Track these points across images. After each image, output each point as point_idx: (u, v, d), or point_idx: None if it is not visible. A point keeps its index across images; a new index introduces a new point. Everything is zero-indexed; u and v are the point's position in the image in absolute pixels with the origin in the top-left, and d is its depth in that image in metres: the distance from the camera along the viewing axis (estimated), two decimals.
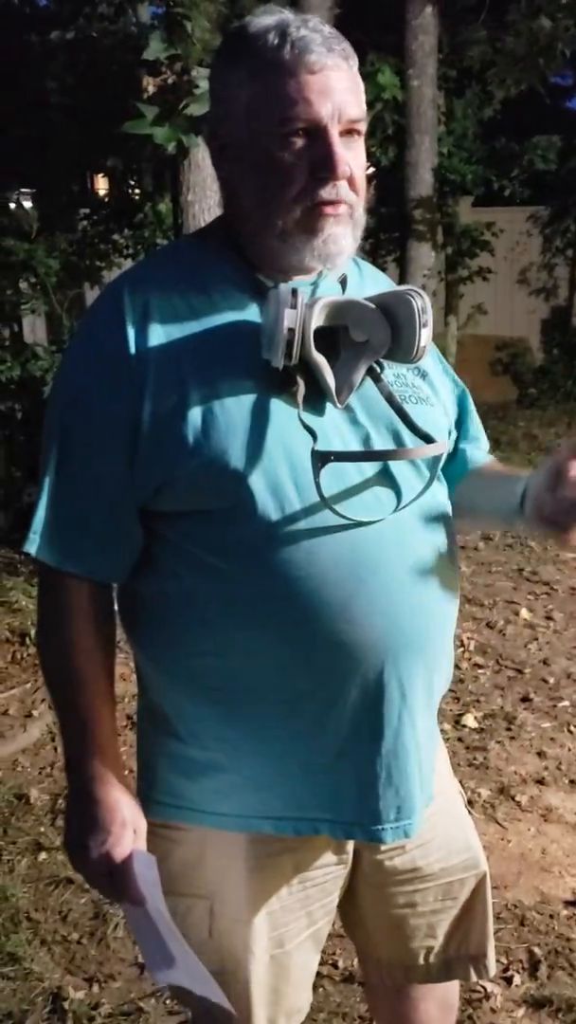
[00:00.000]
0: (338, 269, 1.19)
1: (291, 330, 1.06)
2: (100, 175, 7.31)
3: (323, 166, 1.09)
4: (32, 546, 1.16)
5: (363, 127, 1.14)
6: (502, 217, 9.01)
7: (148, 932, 1.13)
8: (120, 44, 5.66)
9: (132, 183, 6.37)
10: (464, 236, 8.06)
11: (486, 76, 6.10)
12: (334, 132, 1.09)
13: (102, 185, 7.62)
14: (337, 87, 1.09)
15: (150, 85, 3.24)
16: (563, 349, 9.47)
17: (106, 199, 6.73)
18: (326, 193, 1.10)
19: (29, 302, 5.49)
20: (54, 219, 6.02)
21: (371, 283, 1.28)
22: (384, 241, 7.89)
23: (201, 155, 3.59)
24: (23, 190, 6.41)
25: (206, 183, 3.77)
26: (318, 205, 1.10)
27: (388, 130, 6.36)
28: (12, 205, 5.82)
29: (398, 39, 6.65)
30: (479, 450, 1.40)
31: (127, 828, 1.13)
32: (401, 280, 7.04)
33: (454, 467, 1.34)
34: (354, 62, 1.13)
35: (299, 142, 1.09)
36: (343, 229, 1.13)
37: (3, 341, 5.39)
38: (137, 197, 6.21)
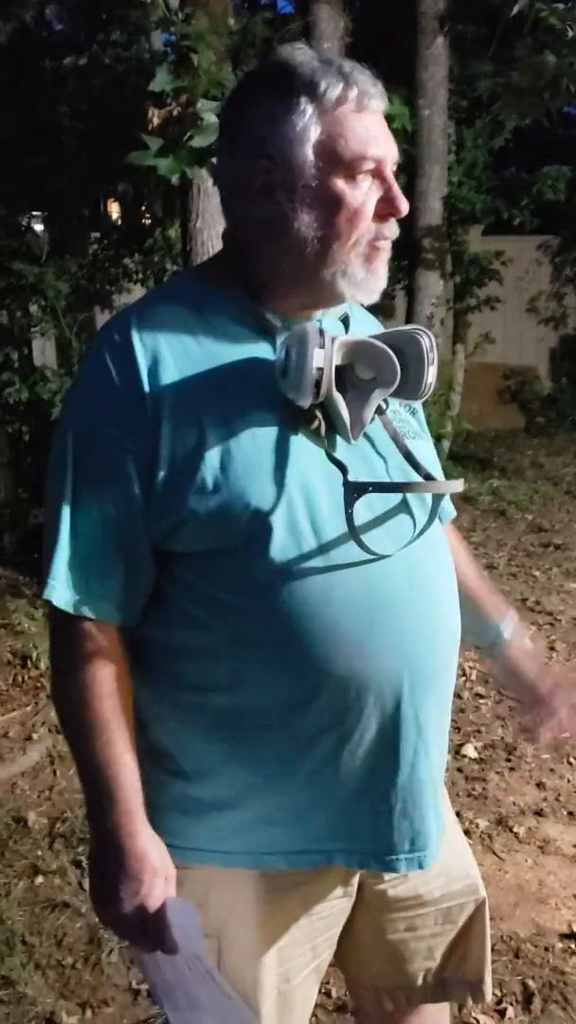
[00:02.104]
0: (339, 308, 1.22)
1: (320, 369, 1.07)
2: (111, 200, 7.39)
3: (389, 204, 1.13)
4: (52, 593, 1.12)
5: (395, 168, 1.17)
6: (511, 246, 9.05)
7: (171, 978, 1.11)
8: (133, 71, 5.74)
9: (142, 208, 6.44)
10: (473, 265, 8.09)
11: (492, 108, 6.16)
12: (391, 171, 1.14)
13: (114, 210, 7.70)
14: (387, 129, 1.14)
15: (155, 116, 3.28)
16: (571, 378, 9.49)
17: (117, 223, 6.81)
18: (388, 231, 1.15)
19: (39, 325, 5.54)
20: (64, 243, 6.08)
21: (361, 321, 1.29)
22: (393, 270, 7.87)
23: (210, 183, 3.63)
24: (34, 213, 6.48)
25: (215, 210, 3.81)
26: (376, 240, 1.14)
27: (399, 159, 6.41)
28: (23, 228, 5.88)
29: (409, 69, 6.73)
30: (449, 504, 1.41)
31: (158, 876, 1.11)
32: (410, 308, 7.08)
33: None
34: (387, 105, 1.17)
35: (366, 181, 1.12)
36: (386, 265, 1.18)
37: (12, 364, 5.42)
38: (147, 222, 6.28)
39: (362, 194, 1.11)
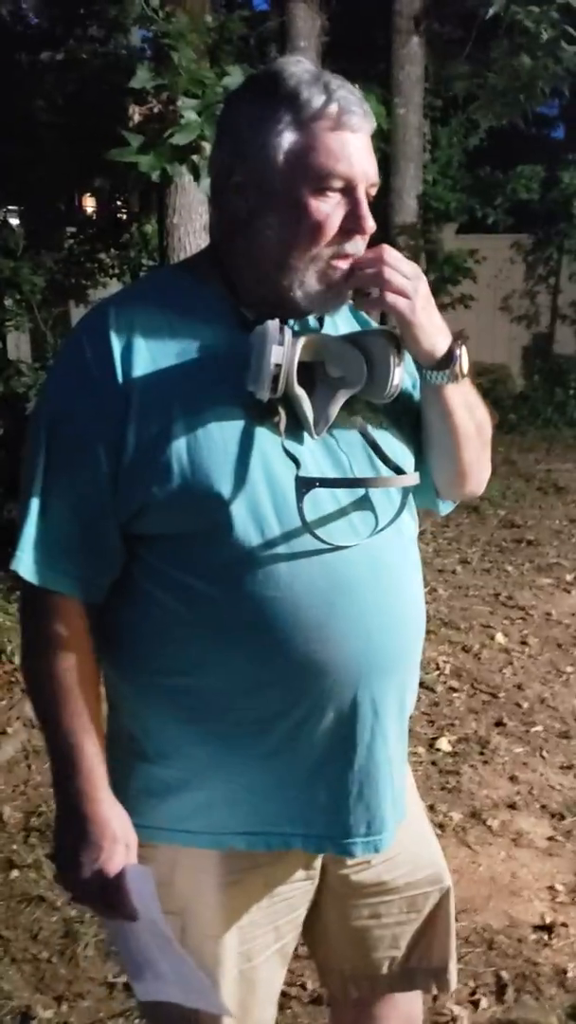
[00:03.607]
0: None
1: (278, 365, 1.10)
2: (87, 194, 7.36)
3: (354, 222, 1.14)
4: (19, 564, 1.16)
5: (375, 191, 1.18)
6: (485, 245, 9.11)
7: (135, 947, 1.14)
8: (110, 67, 5.73)
9: (119, 204, 6.42)
10: (447, 263, 8.15)
11: (469, 109, 6.22)
12: (363, 191, 1.14)
13: (89, 204, 7.67)
14: (366, 149, 1.15)
15: (136, 113, 3.28)
16: (543, 376, 9.57)
17: (93, 218, 6.78)
18: (350, 248, 1.15)
19: (13, 319, 5.51)
20: (40, 237, 6.06)
21: (341, 316, 1.31)
22: None
23: (187, 179, 3.64)
24: (9, 207, 6.45)
25: (191, 207, 3.82)
26: (337, 258, 1.15)
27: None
28: None
29: (385, 68, 6.77)
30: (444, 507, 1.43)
31: (118, 843, 1.14)
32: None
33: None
34: (373, 128, 1.18)
35: (334, 198, 1.13)
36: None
37: None
38: (124, 217, 6.26)
39: (328, 208, 1.13)
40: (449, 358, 1.20)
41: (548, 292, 9.91)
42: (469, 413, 1.26)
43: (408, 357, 1.22)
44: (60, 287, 6.02)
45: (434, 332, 1.19)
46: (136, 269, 5.91)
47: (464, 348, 1.22)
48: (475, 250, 8.55)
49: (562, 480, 6.86)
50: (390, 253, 1.16)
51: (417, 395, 1.31)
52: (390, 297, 1.15)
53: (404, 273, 1.15)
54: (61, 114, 6.07)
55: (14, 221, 6.25)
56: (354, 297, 1.18)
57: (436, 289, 8.20)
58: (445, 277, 8.15)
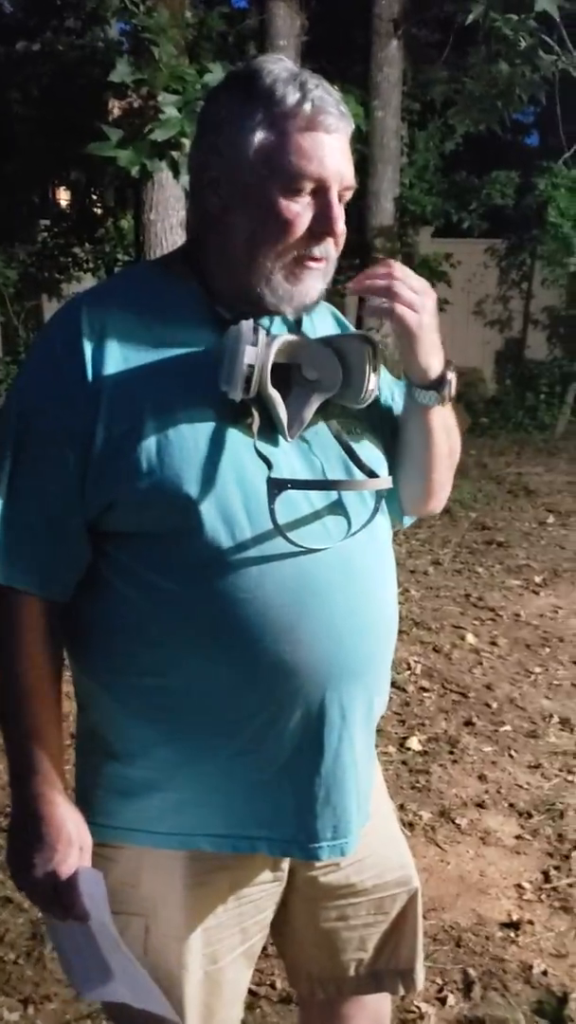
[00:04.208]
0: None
1: (251, 366, 1.09)
2: (60, 187, 7.31)
3: (323, 224, 1.13)
4: None
5: (350, 194, 1.17)
6: (460, 249, 9.19)
7: (83, 949, 1.13)
8: (87, 59, 5.69)
9: (94, 198, 6.39)
10: (423, 267, 8.19)
11: (447, 114, 6.26)
12: (335, 193, 1.13)
13: (63, 196, 7.62)
14: (342, 151, 1.13)
15: (115, 108, 3.26)
16: (515, 380, 9.66)
17: (67, 211, 6.74)
18: (319, 250, 1.14)
19: None
20: (13, 229, 6.01)
21: (318, 317, 1.30)
22: (344, 268, 7.96)
23: (165, 175, 3.62)
24: None
25: (168, 202, 3.81)
26: (305, 259, 1.14)
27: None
28: None
29: (363, 70, 6.78)
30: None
31: (72, 846, 1.12)
32: (359, 307, 7.14)
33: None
34: (352, 130, 1.16)
35: (305, 197, 1.12)
36: (319, 283, 1.18)
37: None
38: (99, 212, 6.23)
39: (297, 208, 1.12)
40: (441, 381, 1.22)
41: (521, 297, 10.00)
42: (446, 435, 1.29)
43: (385, 371, 1.22)
44: (33, 280, 5.98)
45: (433, 351, 1.20)
46: (111, 264, 5.89)
47: (455, 375, 1.24)
48: (450, 254, 8.62)
49: (532, 483, 6.92)
50: (401, 267, 1.16)
51: (396, 408, 1.32)
52: (399, 308, 1.15)
53: (413, 287, 1.16)
54: (36, 106, 6.02)
55: None
56: (360, 305, 1.19)
57: None
58: None
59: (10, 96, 5.94)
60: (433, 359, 1.21)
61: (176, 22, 3.35)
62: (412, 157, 8.11)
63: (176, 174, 3.47)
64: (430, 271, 8.24)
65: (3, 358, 5.46)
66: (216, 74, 3.29)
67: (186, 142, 3.28)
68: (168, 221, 3.85)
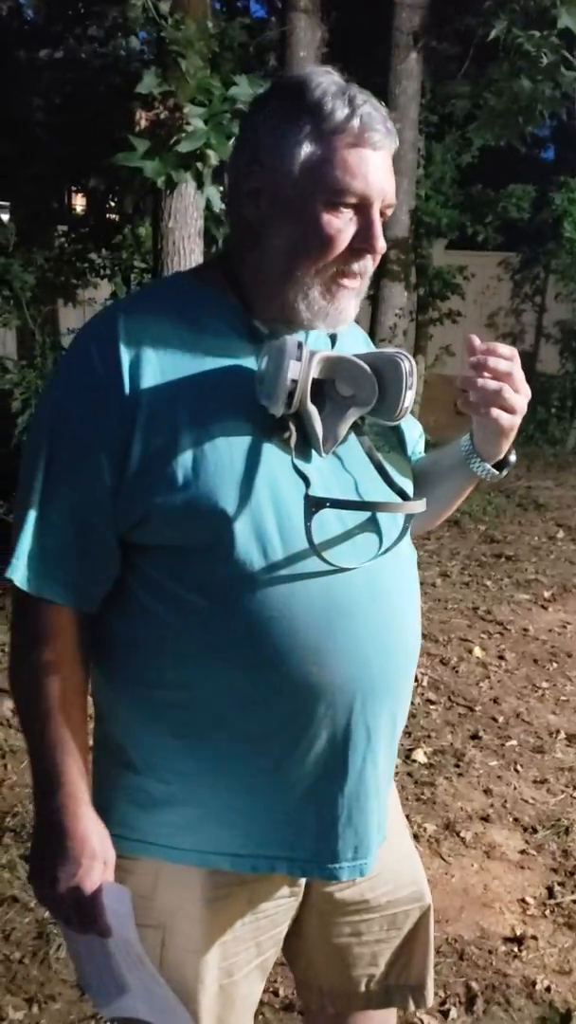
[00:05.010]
0: None
1: (294, 381, 1.09)
2: (78, 193, 7.35)
3: (364, 241, 1.13)
4: (14, 572, 1.14)
5: (391, 212, 1.17)
6: (474, 262, 9.21)
7: (103, 962, 1.13)
8: (109, 68, 5.73)
9: (111, 205, 6.42)
10: (437, 278, 8.22)
11: (467, 130, 6.29)
12: (377, 210, 1.13)
13: (79, 203, 7.66)
14: (386, 168, 1.13)
15: (143, 119, 3.29)
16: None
17: (84, 218, 6.78)
18: (357, 266, 1.15)
19: (2, 315, 5.49)
20: (32, 234, 6.04)
21: (349, 335, 1.31)
22: None
23: (185, 184, 3.65)
24: (1, 203, 6.44)
25: (187, 212, 3.83)
26: (343, 275, 1.15)
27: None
28: None
29: (382, 82, 6.81)
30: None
31: (97, 860, 1.12)
32: (373, 318, 7.16)
33: None
34: (396, 146, 1.17)
35: (347, 213, 1.12)
36: (354, 302, 1.18)
37: None
38: (116, 219, 6.26)
39: (339, 223, 1.11)
40: (504, 463, 1.28)
41: (534, 311, 10.02)
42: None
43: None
44: (50, 285, 6.02)
45: (510, 441, 1.24)
46: (128, 271, 5.92)
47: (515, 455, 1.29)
48: (464, 266, 8.63)
49: (542, 497, 6.93)
50: (516, 371, 1.17)
51: (408, 432, 1.36)
52: (503, 417, 1.18)
53: (517, 387, 1.17)
54: (57, 113, 6.06)
55: (4, 217, 6.24)
56: (458, 397, 1.19)
57: (424, 304, 8.28)
58: (434, 292, 8.22)
59: (32, 102, 5.99)
60: (508, 444, 1.25)
61: (201, 34, 3.38)
62: (428, 169, 8.13)
63: (200, 186, 3.50)
64: (444, 283, 8.26)
65: (19, 362, 5.48)
66: (242, 87, 3.32)
67: (211, 154, 3.31)
68: (187, 230, 3.87)
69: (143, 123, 3.26)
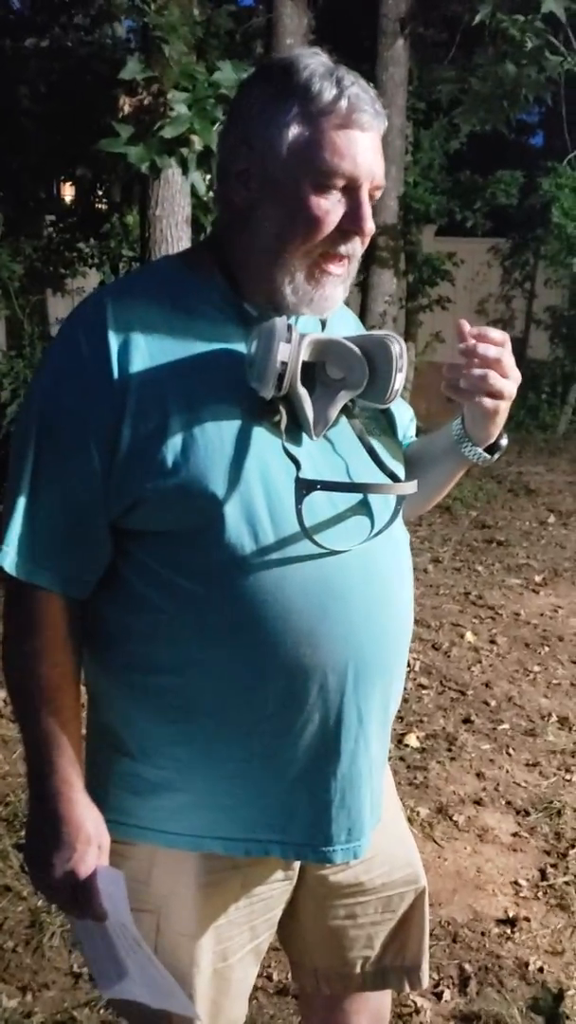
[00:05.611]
0: None
1: (284, 363, 1.09)
2: (66, 183, 7.32)
3: (353, 222, 1.12)
4: (4, 559, 1.14)
5: (380, 193, 1.17)
6: (463, 248, 9.19)
7: (102, 947, 1.13)
8: (95, 56, 5.70)
9: (100, 194, 6.39)
10: (426, 265, 8.20)
11: (453, 114, 6.28)
12: (366, 192, 1.13)
13: (67, 192, 7.63)
14: (375, 149, 1.13)
15: (126, 104, 3.27)
16: None
17: (72, 207, 6.76)
18: (345, 248, 1.14)
19: None
20: (20, 224, 6.01)
21: (340, 318, 1.30)
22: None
23: (172, 171, 3.63)
24: None
25: (175, 199, 3.82)
26: (331, 258, 1.14)
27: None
28: None
29: (369, 69, 6.78)
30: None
31: (91, 844, 1.12)
32: (363, 305, 7.15)
33: None
34: (385, 128, 1.16)
35: (336, 194, 1.11)
36: (340, 288, 1.18)
37: None
38: (104, 207, 6.24)
39: (327, 205, 1.11)
40: (495, 447, 1.28)
41: (523, 297, 10.00)
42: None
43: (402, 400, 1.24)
44: (38, 275, 6.00)
45: (501, 424, 1.24)
46: (116, 260, 5.90)
47: (506, 439, 1.30)
48: (453, 252, 8.61)
49: (533, 483, 6.94)
50: (506, 356, 1.16)
51: (399, 415, 1.35)
52: (486, 401, 1.18)
53: (507, 372, 1.17)
54: (44, 102, 6.03)
55: None
56: (445, 381, 1.19)
57: (414, 291, 8.27)
58: (424, 278, 8.21)
59: (18, 92, 5.95)
60: (498, 429, 1.25)
61: (186, 20, 3.36)
62: (416, 156, 8.11)
63: (185, 171, 3.48)
64: (433, 270, 8.24)
65: (7, 351, 5.46)
66: (226, 72, 3.31)
67: (196, 139, 3.30)
68: (174, 217, 3.85)
69: (126, 109, 3.25)
